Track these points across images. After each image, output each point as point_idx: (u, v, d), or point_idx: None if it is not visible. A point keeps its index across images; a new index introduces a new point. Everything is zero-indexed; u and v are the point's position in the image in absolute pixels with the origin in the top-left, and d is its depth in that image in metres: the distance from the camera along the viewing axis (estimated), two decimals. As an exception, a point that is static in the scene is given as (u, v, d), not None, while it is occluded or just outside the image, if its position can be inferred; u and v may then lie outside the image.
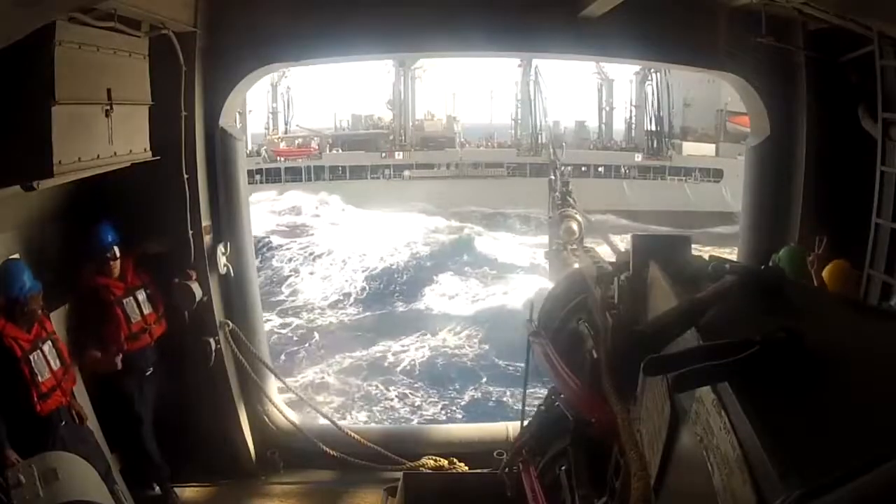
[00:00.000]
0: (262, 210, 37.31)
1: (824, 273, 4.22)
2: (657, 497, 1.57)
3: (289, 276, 27.82)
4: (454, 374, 17.61)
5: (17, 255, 4.52)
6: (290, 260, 29.63)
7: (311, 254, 30.05)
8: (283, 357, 18.53)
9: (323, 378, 17.27)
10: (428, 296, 25.09)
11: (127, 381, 5.08)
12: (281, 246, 31.09)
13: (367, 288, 26.18)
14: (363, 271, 27.47)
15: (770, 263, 4.31)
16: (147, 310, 5.20)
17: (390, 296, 25.54)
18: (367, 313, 23.81)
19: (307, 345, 19.87)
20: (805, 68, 5.61)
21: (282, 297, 25.34)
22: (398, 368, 18.15)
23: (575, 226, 5.74)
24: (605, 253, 4.59)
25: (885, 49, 4.71)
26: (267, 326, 20.87)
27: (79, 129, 3.93)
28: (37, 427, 4.19)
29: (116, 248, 5.05)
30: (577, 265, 4.63)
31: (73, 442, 4.29)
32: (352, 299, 25.27)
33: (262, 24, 5.56)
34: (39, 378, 4.19)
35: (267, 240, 30.84)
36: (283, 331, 21.35)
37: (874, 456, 0.86)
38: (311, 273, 28.41)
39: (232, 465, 5.87)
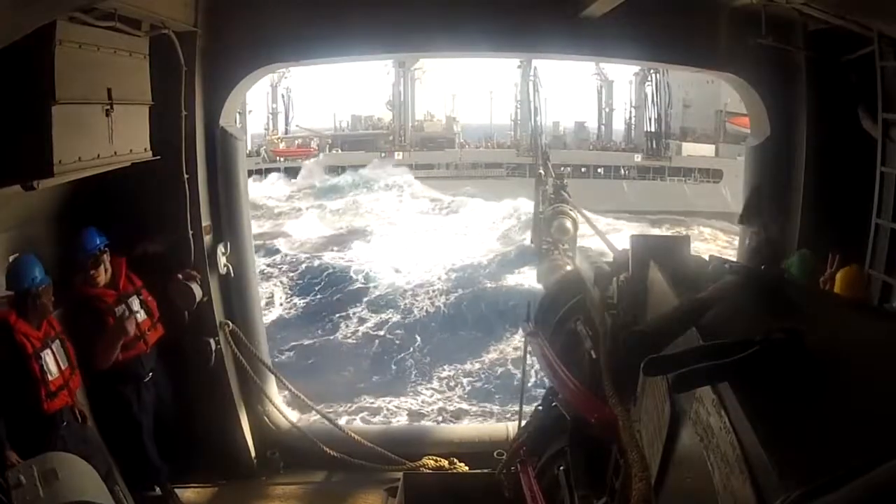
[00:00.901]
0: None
1: (837, 277, 4.18)
2: (657, 497, 1.57)
3: (349, 265, 27.00)
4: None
5: (17, 255, 4.52)
6: (350, 260, 28.60)
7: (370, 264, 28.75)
8: (393, 366, 17.93)
9: (453, 405, 16.05)
10: (511, 279, 24.49)
11: (124, 388, 5.00)
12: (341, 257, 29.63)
13: (449, 277, 25.14)
14: (442, 268, 26.45)
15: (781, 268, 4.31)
16: (141, 317, 5.08)
17: (475, 281, 24.65)
18: (459, 291, 23.02)
19: (411, 350, 19.18)
20: (805, 68, 5.61)
21: (360, 285, 24.58)
22: (530, 383, 17.24)
23: (569, 223, 5.09)
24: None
25: (886, 49, 4.71)
26: (362, 328, 20.98)
27: (79, 129, 3.92)
28: (39, 426, 4.19)
29: (105, 256, 4.93)
30: (569, 267, 4.52)
31: (74, 442, 4.30)
32: (437, 287, 24.15)
33: (262, 24, 5.56)
34: (49, 377, 4.20)
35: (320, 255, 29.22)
36: (381, 332, 20.63)
37: (874, 456, 0.86)
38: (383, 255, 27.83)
39: (232, 465, 5.86)
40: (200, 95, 5.45)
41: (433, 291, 23.51)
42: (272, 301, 23.63)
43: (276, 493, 5.70)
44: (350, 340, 20.29)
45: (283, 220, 36.15)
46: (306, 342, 19.85)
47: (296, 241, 31.46)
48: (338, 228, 34.65)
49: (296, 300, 23.55)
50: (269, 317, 22.08)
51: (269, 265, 27.00)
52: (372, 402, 15.50)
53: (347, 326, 21.38)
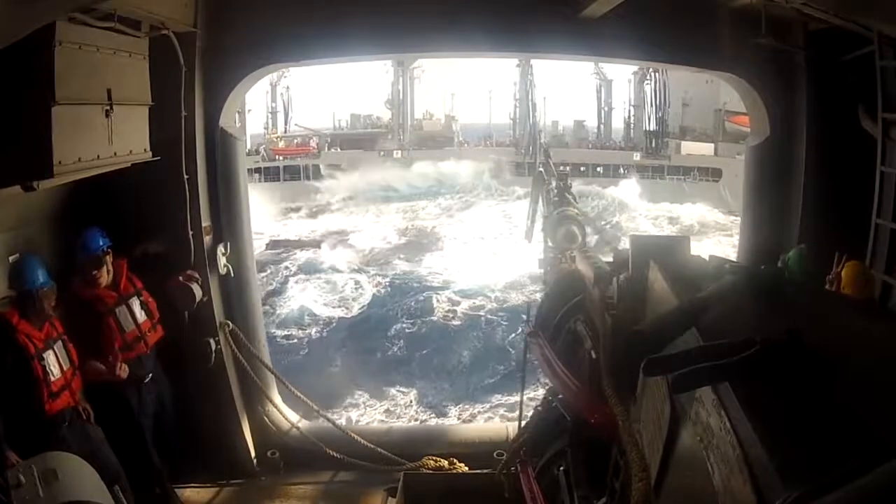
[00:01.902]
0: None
1: (842, 275, 4.15)
2: (657, 497, 1.57)
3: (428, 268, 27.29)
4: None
5: (17, 255, 4.52)
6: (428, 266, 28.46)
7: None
8: (511, 350, 17.64)
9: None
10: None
11: (125, 390, 4.98)
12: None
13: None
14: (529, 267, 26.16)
15: (779, 264, 4.30)
16: (141, 318, 5.07)
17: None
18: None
19: (519, 330, 19.02)
20: (805, 68, 5.62)
21: (439, 281, 24.73)
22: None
23: (576, 229, 4.66)
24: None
25: (885, 49, 4.71)
26: (460, 309, 21.12)
27: (79, 129, 3.92)
28: (41, 427, 4.19)
29: (108, 257, 4.92)
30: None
31: (77, 442, 4.30)
32: (528, 288, 23.64)
33: (262, 24, 5.56)
34: (51, 377, 4.21)
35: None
36: (480, 313, 20.66)
37: (874, 456, 0.86)
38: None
39: (232, 465, 5.86)
40: (200, 96, 5.45)
41: (526, 292, 23.41)
42: (361, 288, 24.14)
43: (276, 493, 5.70)
44: (455, 322, 20.49)
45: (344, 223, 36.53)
46: (408, 329, 20.29)
47: (363, 248, 31.75)
48: (404, 232, 34.79)
49: (379, 291, 24.06)
50: (356, 306, 22.81)
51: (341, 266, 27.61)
52: (507, 397, 15.45)
53: (439, 302, 21.79)
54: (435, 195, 41.40)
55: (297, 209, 39.00)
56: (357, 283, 25.26)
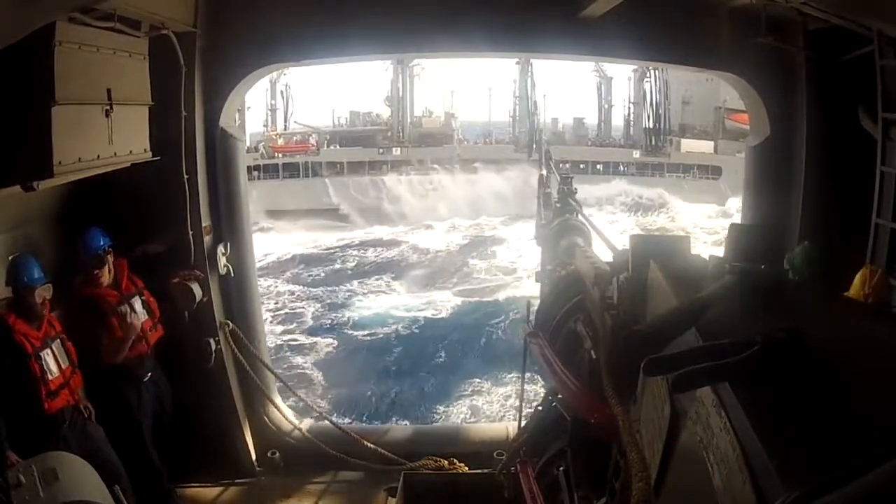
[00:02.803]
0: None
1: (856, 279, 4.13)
2: (657, 497, 1.57)
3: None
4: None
5: (16, 255, 4.52)
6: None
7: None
8: None
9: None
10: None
11: (125, 389, 5.01)
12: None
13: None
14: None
15: (784, 263, 4.29)
16: (143, 317, 5.09)
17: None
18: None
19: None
20: (805, 68, 5.62)
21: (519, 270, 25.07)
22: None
23: (582, 242, 4.18)
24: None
25: (885, 49, 4.71)
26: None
27: (79, 129, 3.93)
28: (40, 426, 4.20)
29: (109, 256, 4.94)
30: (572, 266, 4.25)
31: (77, 441, 4.30)
32: None
33: (262, 24, 5.57)
34: (49, 376, 4.22)
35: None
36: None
37: (874, 456, 0.86)
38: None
39: (232, 465, 5.87)
40: (200, 96, 5.45)
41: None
42: (442, 283, 24.72)
43: (276, 493, 5.71)
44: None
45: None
46: (514, 314, 20.56)
47: (428, 248, 31.99)
48: (465, 235, 34.82)
49: (463, 284, 24.88)
50: (444, 300, 22.87)
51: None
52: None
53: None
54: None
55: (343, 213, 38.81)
56: (435, 278, 25.59)
